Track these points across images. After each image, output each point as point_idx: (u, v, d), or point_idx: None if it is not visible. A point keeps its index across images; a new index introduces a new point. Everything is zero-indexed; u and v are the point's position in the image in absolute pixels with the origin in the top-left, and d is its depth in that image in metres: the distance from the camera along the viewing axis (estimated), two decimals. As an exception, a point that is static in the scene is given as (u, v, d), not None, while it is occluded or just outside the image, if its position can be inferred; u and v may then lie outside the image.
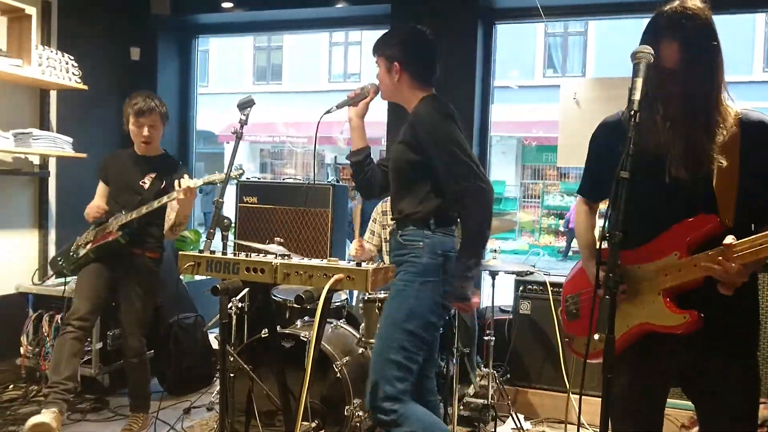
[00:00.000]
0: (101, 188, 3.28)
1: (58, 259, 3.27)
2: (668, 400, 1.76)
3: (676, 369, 1.66)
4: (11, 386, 3.70)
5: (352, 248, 3.33)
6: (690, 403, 1.75)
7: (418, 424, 2.11)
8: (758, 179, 1.56)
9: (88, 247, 3.10)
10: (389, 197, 3.73)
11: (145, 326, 3.19)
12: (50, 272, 3.52)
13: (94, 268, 3.10)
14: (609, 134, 1.75)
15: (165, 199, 2.91)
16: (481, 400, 3.24)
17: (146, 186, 3.12)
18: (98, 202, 3.18)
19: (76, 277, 3.19)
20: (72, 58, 3.81)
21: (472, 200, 2.13)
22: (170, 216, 3.02)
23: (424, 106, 2.24)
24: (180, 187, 2.82)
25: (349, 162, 2.48)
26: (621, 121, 1.71)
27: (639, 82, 1.40)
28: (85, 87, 3.83)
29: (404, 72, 2.27)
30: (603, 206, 1.89)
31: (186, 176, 2.94)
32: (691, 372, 1.65)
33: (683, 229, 1.57)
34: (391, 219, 2.38)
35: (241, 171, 2.82)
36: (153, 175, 3.13)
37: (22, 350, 3.71)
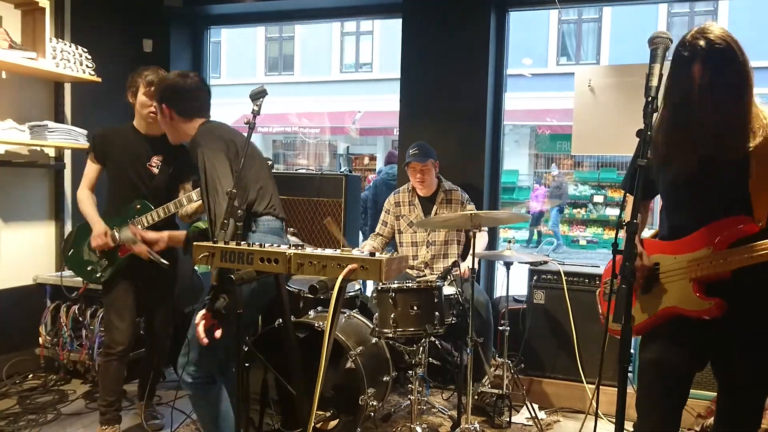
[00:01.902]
0: (94, 170, 3.00)
1: (90, 268, 2.99)
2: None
3: (701, 351, 1.80)
4: (30, 376, 3.75)
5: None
6: (707, 392, 1.84)
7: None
8: None
9: (121, 253, 2.92)
10: (400, 189, 3.75)
11: (172, 315, 3.22)
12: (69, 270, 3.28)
13: (124, 282, 2.94)
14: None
15: (194, 195, 2.81)
16: (496, 390, 3.24)
17: (155, 171, 2.95)
18: (105, 229, 2.88)
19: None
20: (85, 50, 3.82)
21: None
22: (187, 207, 2.94)
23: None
24: None
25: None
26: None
27: (657, 68, 1.38)
28: (99, 79, 3.85)
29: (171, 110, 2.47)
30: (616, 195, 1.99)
31: None
32: (715, 354, 1.79)
33: (719, 227, 1.70)
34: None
35: (270, 162, 2.77)
36: (160, 158, 2.95)
37: (40, 340, 3.76)
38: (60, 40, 3.74)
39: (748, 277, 1.66)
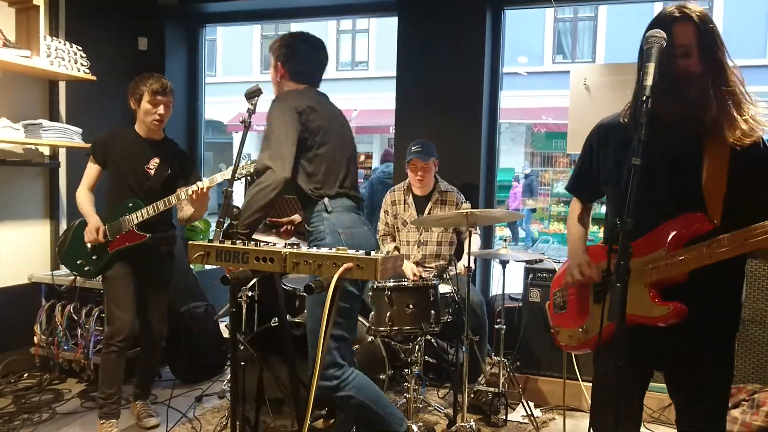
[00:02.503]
0: (94, 171, 3.10)
1: (79, 262, 3.09)
2: (651, 383, 1.81)
3: (657, 356, 1.72)
4: (26, 375, 3.75)
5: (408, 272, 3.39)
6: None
7: (357, 387, 2.34)
8: (741, 192, 1.59)
9: (110, 248, 3.01)
10: (395, 187, 3.75)
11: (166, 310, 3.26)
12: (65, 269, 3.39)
13: (123, 275, 3.01)
14: (605, 135, 1.80)
15: (183, 194, 2.90)
16: (492, 389, 3.25)
17: (152, 172, 3.05)
18: (99, 224, 2.98)
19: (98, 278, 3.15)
20: (80, 48, 3.81)
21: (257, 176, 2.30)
22: (185, 211, 3.02)
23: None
24: (197, 188, 2.82)
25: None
26: (618, 123, 1.75)
27: (651, 66, 1.37)
28: (94, 77, 3.84)
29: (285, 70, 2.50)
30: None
31: (203, 179, 2.90)
32: (670, 358, 1.71)
33: (671, 227, 1.63)
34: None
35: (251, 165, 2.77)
36: (158, 160, 3.06)
37: (35, 339, 3.75)
38: (54, 38, 3.72)
39: (705, 279, 1.58)
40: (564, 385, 3.09)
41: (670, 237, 1.61)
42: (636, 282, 1.62)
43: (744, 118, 1.57)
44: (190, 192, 2.85)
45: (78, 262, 3.09)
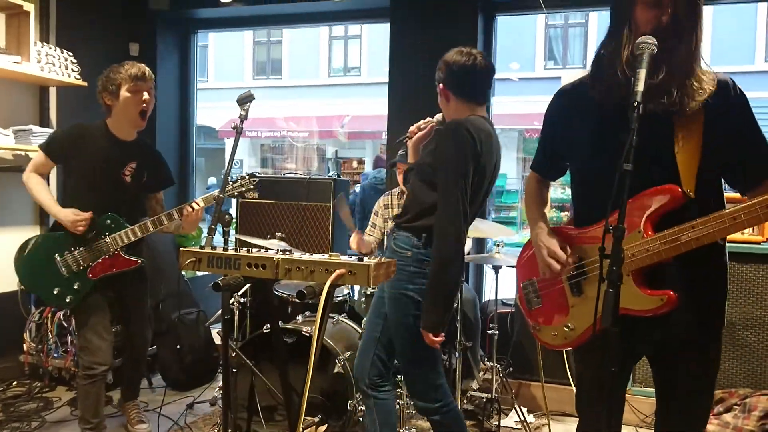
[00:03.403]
0: (44, 166, 2.75)
1: (57, 291, 2.69)
2: (643, 388, 1.74)
3: (642, 348, 1.64)
4: (15, 383, 3.71)
5: (352, 241, 3.32)
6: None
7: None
8: (722, 139, 1.50)
9: (99, 275, 2.70)
10: (391, 191, 3.75)
11: (150, 318, 3.18)
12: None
13: (100, 300, 2.76)
14: (567, 102, 1.69)
15: (176, 214, 2.66)
16: (485, 394, 3.24)
17: (128, 179, 2.76)
18: (75, 213, 2.61)
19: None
20: (71, 54, 3.79)
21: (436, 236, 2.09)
22: (173, 224, 2.76)
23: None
24: (190, 209, 2.64)
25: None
26: (579, 89, 1.63)
27: (642, 72, 1.37)
28: (85, 83, 3.82)
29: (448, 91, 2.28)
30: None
31: (198, 200, 2.69)
32: (657, 348, 1.62)
33: (643, 201, 1.50)
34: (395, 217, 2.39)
35: (247, 182, 2.62)
36: (134, 166, 2.76)
37: (24, 347, 3.72)
38: (45, 43, 3.71)
39: (689, 261, 1.47)
40: (543, 389, 3.08)
41: (645, 216, 1.49)
42: None
43: (696, 80, 1.47)
44: (185, 213, 2.65)
45: (55, 292, 2.68)
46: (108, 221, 2.70)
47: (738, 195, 1.62)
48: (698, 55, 1.49)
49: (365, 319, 2.43)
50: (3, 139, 3.47)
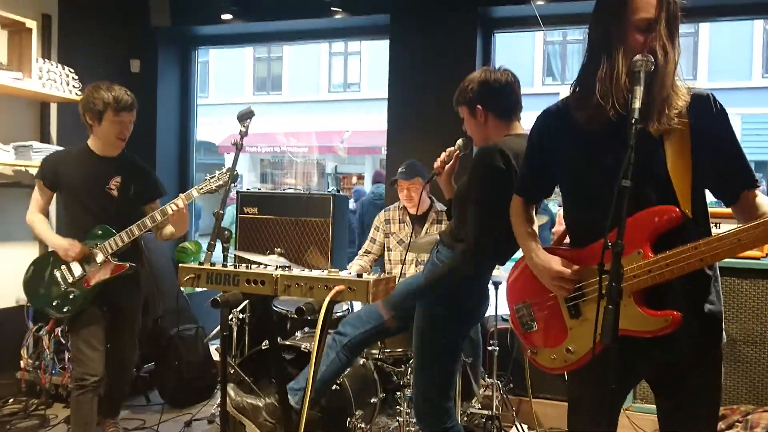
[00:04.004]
0: (44, 196, 2.87)
1: (56, 303, 2.82)
2: (644, 404, 1.72)
3: (642, 367, 1.61)
4: (11, 400, 3.68)
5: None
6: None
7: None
8: (708, 155, 1.51)
9: (92, 283, 2.77)
10: (392, 206, 3.75)
11: (138, 331, 3.11)
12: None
13: (92, 311, 2.80)
14: (550, 123, 1.67)
15: (159, 215, 2.70)
16: (486, 411, 3.22)
17: (115, 193, 2.81)
18: (68, 241, 2.74)
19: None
20: (72, 70, 3.82)
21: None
22: (166, 229, 2.87)
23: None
24: (175, 207, 2.67)
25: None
26: (565, 110, 1.61)
27: (639, 90, 1.38)
28: (86, 99, 3.84)
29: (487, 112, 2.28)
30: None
31: (180, 196, 2.72)
32: (658, 368, 1.60)
33: (642, 222, 1.48)
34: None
35: (229, 176, 2.54)
36: (118, 180, 2.81)
37: (22, 363, 3.69)
38: (47, 60, 3.73)
39: (684, 279, 1.46)
40: (531, 404, 3.07)
41: (643, 236, 1.47)
42: None
43: (675, 101, 1.48)
44: (169, 212, 2.68)
45: (54, 303, 2.82)
46: (99, 231, 2.78)
47: (726, 209, 1.62)
48: (676, 71, 1.50)
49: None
50: (3, 155, 3.48)
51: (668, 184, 1.49)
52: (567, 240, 1.76)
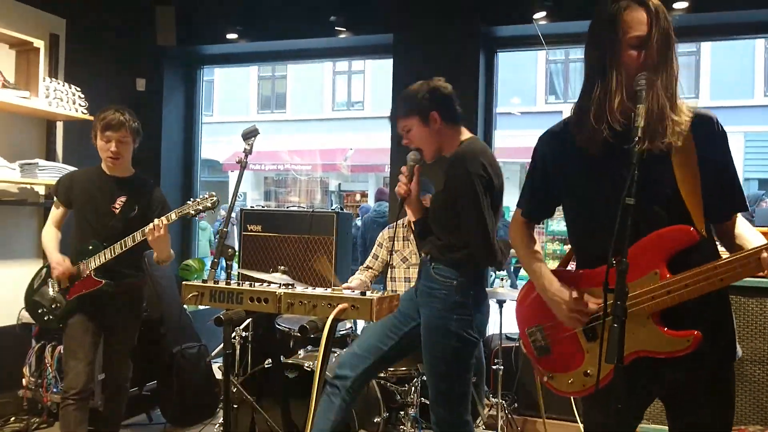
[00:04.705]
0: (59, 213, 2.94)
1: (40, 311, 2.91)
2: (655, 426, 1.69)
3: (657, 386, 1.60)
4: (12, 419, 3.65)
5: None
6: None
7: None
8: (713, 169, 1.51)
9: (68, 296, 2.82)
10: (396, 223, 3.75)
11: (131, 348, 3.03)
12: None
13: (81, 323, 2.81)
14: (553, 144, 1.67)
15: (138, 236, 2.70)
16: (490, 431, 3.18)
17: (117, 212, 2.84)
18: (60, 258, 2.81)
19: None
20: (78, 89, 3.85)
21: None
22: (155, 254, 2.84)
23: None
24: (152, 227, 2.65)
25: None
26: (566, 131, 1.62)
27: (642, 108, 1.38)
28: (92, 117, 3.85)
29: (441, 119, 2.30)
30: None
31: (168, 215, 2.70)
32: (670, 387, 1.59)
33: (657, 242, 1.48)
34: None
35: (214, 199, 2.64)
36: (123, 199, 2.85)
37: (24, 381, 3.67)
38: (54, 79, 3.77)
39: (699, 299, 1.46)
40: (544, 424, 3.03)
41: (659, 256, 1.47)
42: (634, 314, 1.46)
43: (677, 118, 1.49)
44: (146, 231, 2.67)
45: (39, 311, 2.91)
46: (90, 246, 2.81)
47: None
48: (676, 88, 1.51)
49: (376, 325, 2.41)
50: (9, 173, 3.49)
51: (680, 203, 1.48)
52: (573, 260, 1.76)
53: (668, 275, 1.47)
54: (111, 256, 2.76)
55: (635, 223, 1.31)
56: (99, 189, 2.86)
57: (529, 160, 1.78)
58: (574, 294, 1.59)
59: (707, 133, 1.53)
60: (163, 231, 2.66)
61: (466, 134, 2.35)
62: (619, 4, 1.49)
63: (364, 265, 3.77)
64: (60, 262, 2.80)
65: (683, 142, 1.48)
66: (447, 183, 2.23)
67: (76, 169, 3.04)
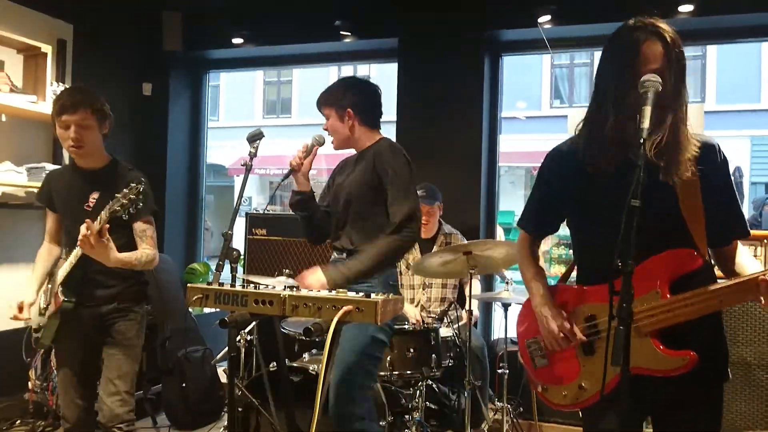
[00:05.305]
0: (51, 219, 2.55)
1: (34, 328, 2.53)
2: None
3: (647, 403, 1.62)
4: (18, 422, 3.66)
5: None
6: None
7: None
8: (716, 196, 1.56)
9: (47, 317, 2.43)
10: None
11: (133, 380, 2.45)
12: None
13: (66, 349, 2.46)
14: (561, 163, 1.70)
15: (104, 215, 2.19)
16: (494, 435, 3.17)
17: (90, 210, 2.35)
18: (23, 300, 2.40)
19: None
20: (85, 93, 3.87)
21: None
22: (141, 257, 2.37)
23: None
24: (85, 231, 2.14)
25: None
26: (574, 150, 1.64)
27: (647, 110, 1.39)
28: (98, 122, 3.88)
29: (357, 117, 2.42)
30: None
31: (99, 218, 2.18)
32: (662, 404, 1.61)
33: (663, 263, 1.52)
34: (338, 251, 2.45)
35: (139, 187, 2.17)
36: (96, 195, 2.37)
37: (30, 385, 3.69)
38: (61, 83, 3.79)
39: (696, 320, 1.50)
40: (538, 427, 3.01)
41: (662, 277, 1.51)
42: (632, 331, 1.44)
43: (689, 151, 1.52)
44: (80, 237, 2.16)
45: (33, 336, 2.53)
46: (62, 256, 2.47)
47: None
48: (686, 117, 1.54)
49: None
50: (16, 177, 3.52)
51: (683, 228, 1.53)
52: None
53: (668, 296, 1.51)
54: (71, 265, 2.31)
55: (638, 245, 1.29)
56: (70, 186, 2.43)
57: (533, 165, 1.81)
58: (561, 315, 1.64)
59: (711, 161, 1.57)
60: (93, 241, 2.13)
61: (379, 135, 2.47)
62: (637, 35, 1.49)
63: None
64: (18, 305, 2.40)
65: (690, 171, 1.52)
66: (376, 166, 2.32)
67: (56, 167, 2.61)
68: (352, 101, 2.39)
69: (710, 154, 1.57)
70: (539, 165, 1.83)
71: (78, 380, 2.44)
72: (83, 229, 2.13)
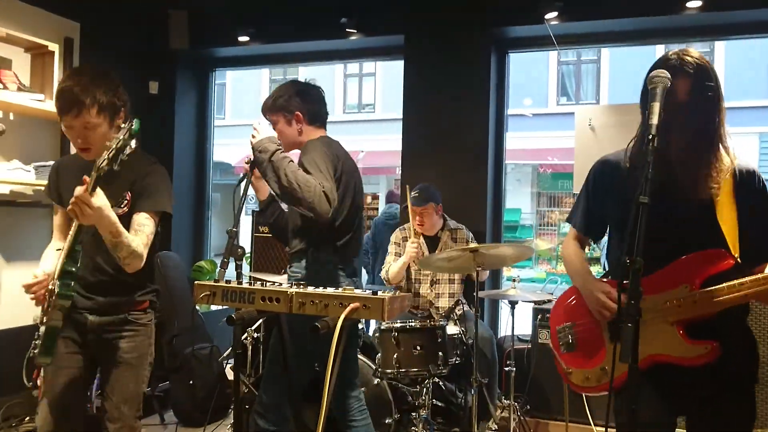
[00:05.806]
0: (59, 219, 2.34)
1: (35, 351, 2.29)
2: None
3: (683, 399, 1.66)
4: (27, 419, 3.68)
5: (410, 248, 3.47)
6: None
7: None
8: (754, 220, 1.61)
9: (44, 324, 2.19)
10: (406, 226, 3.74)
11: (140, 403, 2.22)
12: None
13: (61, 356, 2.25)
14: (609, 173, 1.78)
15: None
16: (501, 433, 3.17)
17: None
18: (39, 279, 2.18)
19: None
20: (92, 92, 3.88)
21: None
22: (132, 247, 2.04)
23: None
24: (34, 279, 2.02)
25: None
26: (620, 165, 1.72)
27: (656, 106, 1.39)
28: (105, 120, 3.89)
29: (305, 120, 2.52)
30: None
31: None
32: (693, 401, 1.65)
33: (697, 262, 1.58)
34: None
35: (133, 124, 1.88)
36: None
37: (39, 382, 3.70)
38: (68, 82, 3.80)
39: (731, 315, 1.58)
40: (566, 428, 3.01)
41: (693, 274, 1.58)
42: (658, 320, 1.59)
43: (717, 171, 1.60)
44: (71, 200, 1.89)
45: (35, 353, 2.32)
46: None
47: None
48: (723, 137, 1.61)
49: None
50: (24, 175, 3.53)
51: (720, 237, 1.58)
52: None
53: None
54: (65, 263, 2.08)
55: (684, 237, 1.50)
56: (76, 177, 2.03)
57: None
58: (608, 287, 1.70)
59: (749, 189, 1.63)
60: (82, 198, 1.85)
61: (324, 132, 2.58)
62: (668, 74, 1.51)
63: (392, 257, 3.71)
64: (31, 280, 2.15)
65: (726, 188, 1.59)
66: (301, 160, 2.36)
67: (69, 155, 2.32)
68: (299, 105, 2.50)
69: (748, 178, 1.64)
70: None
71: (54, 395, 2.27)
72: (77, 190, 1.86)
